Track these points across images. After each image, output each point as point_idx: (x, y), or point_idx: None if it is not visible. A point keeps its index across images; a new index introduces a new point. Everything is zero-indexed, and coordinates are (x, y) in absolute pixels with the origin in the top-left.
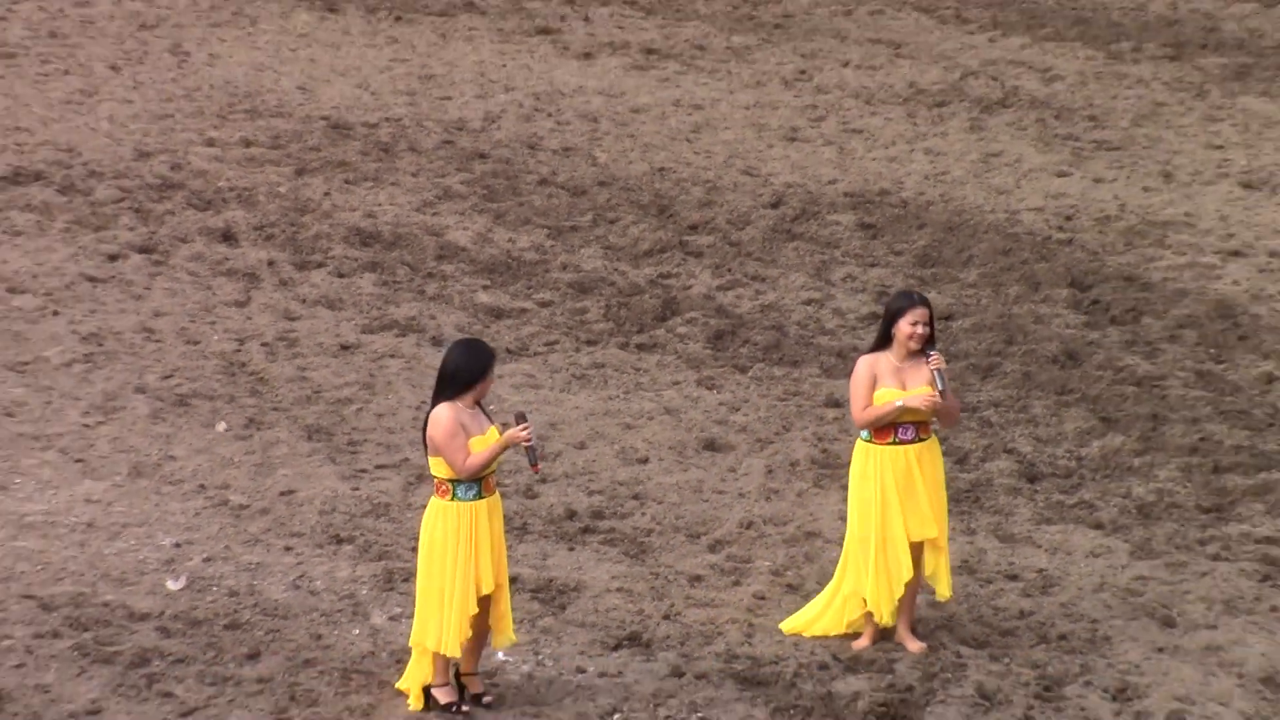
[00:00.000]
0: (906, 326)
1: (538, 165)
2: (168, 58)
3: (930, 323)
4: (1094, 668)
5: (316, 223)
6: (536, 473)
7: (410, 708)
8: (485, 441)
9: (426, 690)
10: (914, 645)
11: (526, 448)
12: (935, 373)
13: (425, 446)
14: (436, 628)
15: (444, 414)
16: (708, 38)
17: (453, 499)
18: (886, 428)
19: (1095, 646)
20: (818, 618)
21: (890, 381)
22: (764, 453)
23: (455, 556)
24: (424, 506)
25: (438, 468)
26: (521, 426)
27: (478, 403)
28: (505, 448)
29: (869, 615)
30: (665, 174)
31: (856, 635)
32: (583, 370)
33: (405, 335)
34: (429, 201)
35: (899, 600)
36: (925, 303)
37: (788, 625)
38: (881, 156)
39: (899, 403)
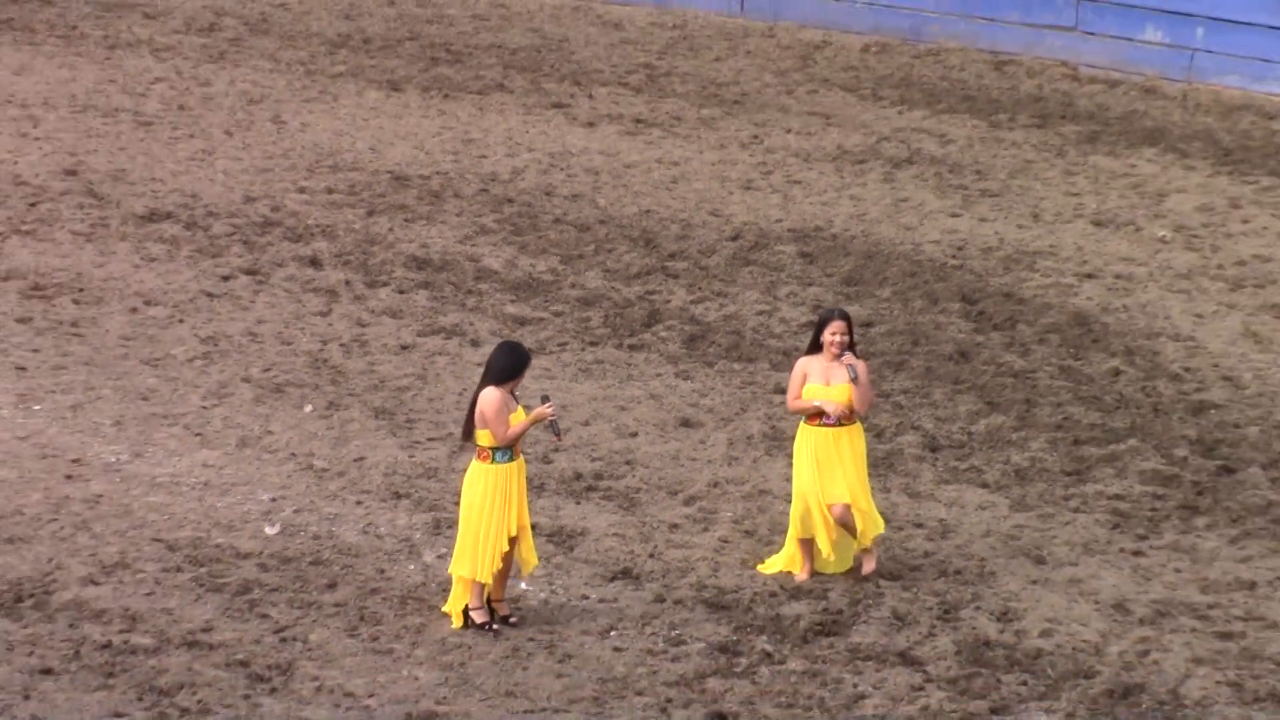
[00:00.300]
0: (828, 335)
1: (553, 208)
2: (269, 125)
3: (849, 331)
4: (982, 596)
5: (383, 251)
6: (558, 441)
7: (453, 626)
8: (518, 418)
9: (465, 612)
10: (868, 566)
11: (550, 422)
12: (848, 368)
13: (469, 421)
14: (473, 560)
15: (494, 395)
16: (683, 111)
17: (492, 462)
18: (814, 414)
19: (983, 579)
20: (791, 560)
21: (818, 379)
22: (726, 429)
23: (492, 506)
24: (464, 470)
25: (482, 438)
26: (546, 405)
27: (512, 390)
28: (536, 422)
29: (806, 554)
30: (650, 215)
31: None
32: (587, 365)
33: (451, 338)
34: (469, 235)
35: (836, 539)
36: (844, 317)
37: (765, 567)
38: (816, 201)
39: (816, 402)
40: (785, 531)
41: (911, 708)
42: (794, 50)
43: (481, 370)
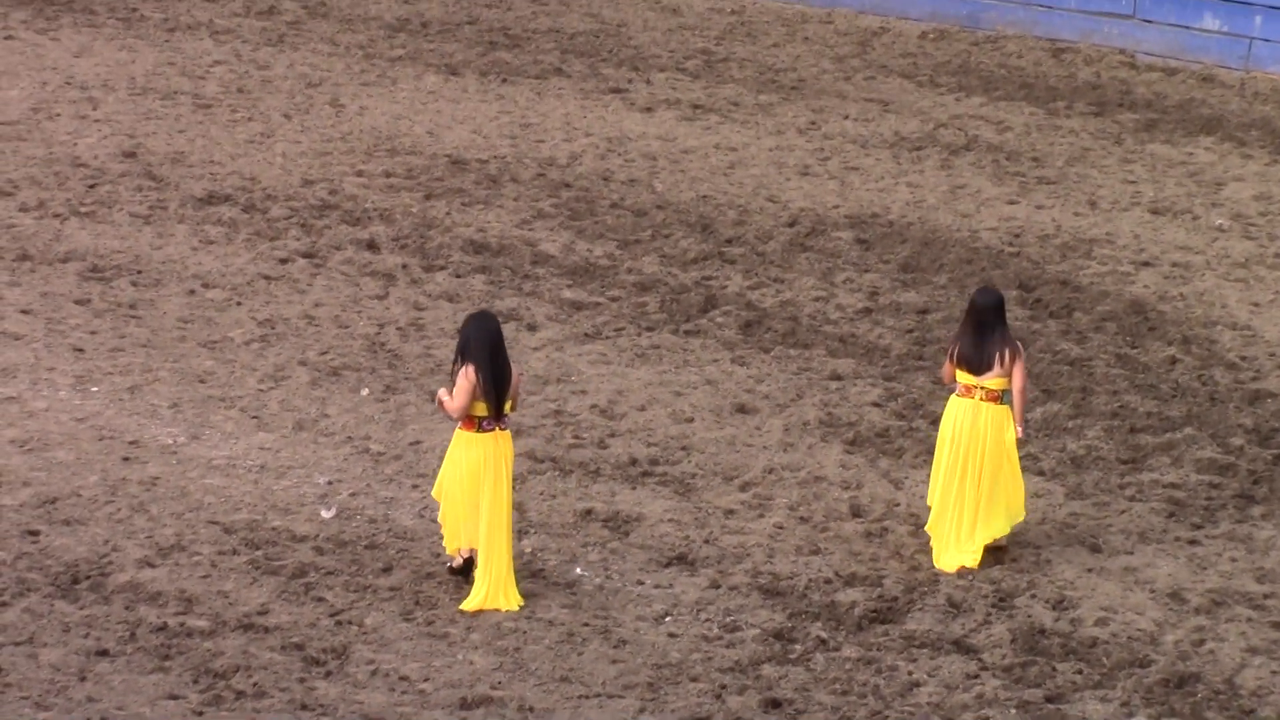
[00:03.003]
0: None
1: (610, 193)
2: (328, 109)
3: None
4: (1038, 584)
5: (440, 235)
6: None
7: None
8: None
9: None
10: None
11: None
12: None
13: (504, 397)
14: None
15: None
16: (740, 96)
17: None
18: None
19: (1039, 567)
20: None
21: None
22: (782, 415)
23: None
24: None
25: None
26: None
27: None
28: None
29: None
30: (707, 200)
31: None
32: (643, 350)
33: (507, 322)
34: (526, 220)
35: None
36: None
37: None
38: (874, 188)
39: None
40: (839, 518)
41: (966, 695)
42: (852, 37)
43: (479, 340)
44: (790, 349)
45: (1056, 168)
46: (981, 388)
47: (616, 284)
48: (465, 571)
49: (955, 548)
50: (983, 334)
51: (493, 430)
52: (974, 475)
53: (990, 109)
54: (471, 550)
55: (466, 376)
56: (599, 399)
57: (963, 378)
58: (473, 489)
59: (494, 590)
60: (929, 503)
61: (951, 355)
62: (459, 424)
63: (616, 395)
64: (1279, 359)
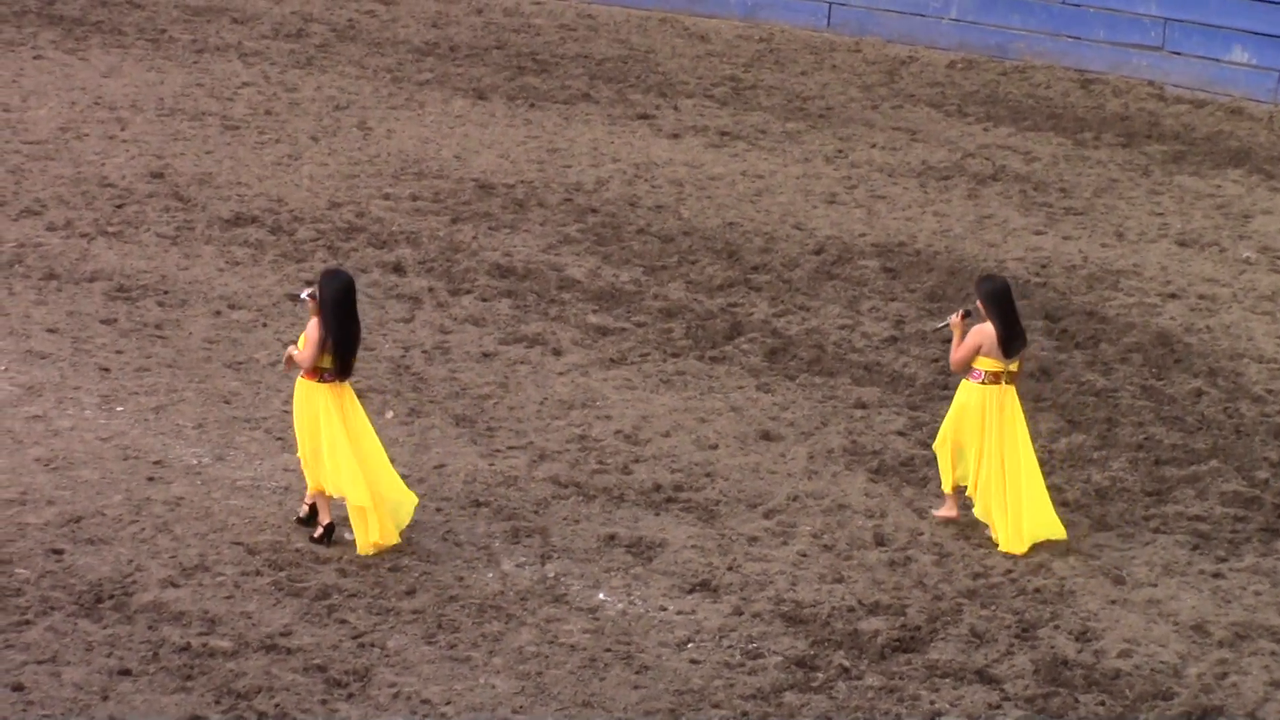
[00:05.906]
0: None
1: (636, 218)
2: (355, 132)
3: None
4: (1061, 615)
5: (466, 259)
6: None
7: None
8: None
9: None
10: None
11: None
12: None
13: (351, 355)
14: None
15: None
16: (768, 124)
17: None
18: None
19: (1062, 598)
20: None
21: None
22: (807, 442)
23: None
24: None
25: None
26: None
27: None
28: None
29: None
30: (734, 227)
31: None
32: (668, 376)
33: (533, 347)
34: (552, 244)
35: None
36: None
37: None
38: (900, 217)
39: None
40: (863, 547)
41: None
42: (880, 65)
43: (328, 296)
44: (815, 377)
45: (1084, 198)
46: (1008, 371)
47: (642, 310)
48: (308, 521)
49: (1009, 533)
50: (1013, 319)
51: (333, 380)
52: (1012, 458)
53: (1018, 139)
54: (315, 498)
55: (316, 329)
56: (623, 424)
57: (990, 364)
58: (314, 435)
59: (373, 528)
60: (968, 491)
61: (981, 346)
62: (302, 374)
63: (641, 421)
64: None
